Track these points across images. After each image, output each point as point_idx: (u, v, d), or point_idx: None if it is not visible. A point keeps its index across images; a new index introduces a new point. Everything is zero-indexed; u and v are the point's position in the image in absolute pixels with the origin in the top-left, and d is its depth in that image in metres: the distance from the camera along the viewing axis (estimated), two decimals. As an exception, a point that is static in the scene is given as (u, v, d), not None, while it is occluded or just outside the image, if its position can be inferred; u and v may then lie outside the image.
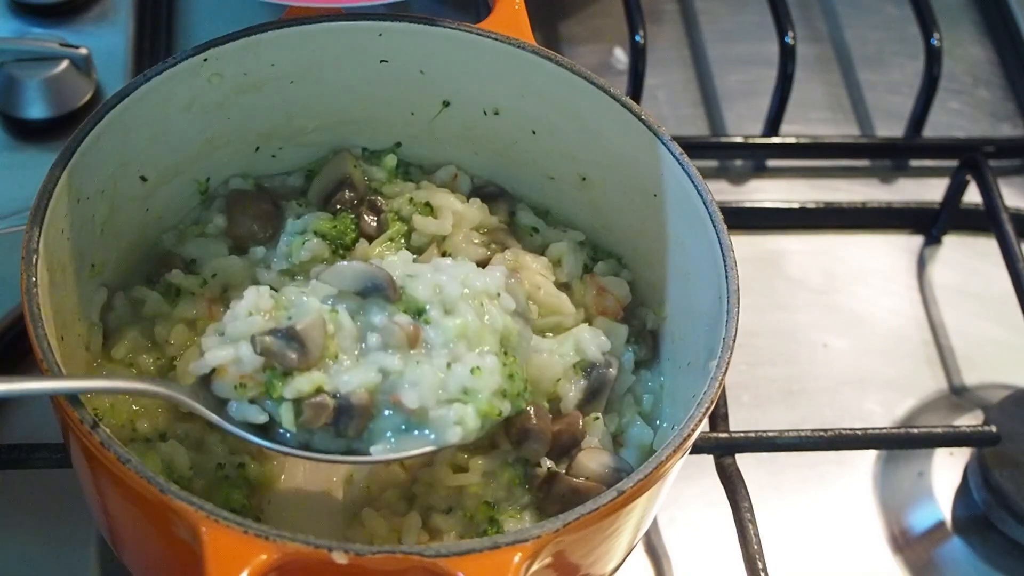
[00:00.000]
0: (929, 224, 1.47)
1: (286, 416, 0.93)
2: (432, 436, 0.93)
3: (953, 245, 1.47)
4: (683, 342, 1.09)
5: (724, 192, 1.48)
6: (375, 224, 1.14)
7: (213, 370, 0.94)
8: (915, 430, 1.23)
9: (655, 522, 1.20)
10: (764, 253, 1.43)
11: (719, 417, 1.20)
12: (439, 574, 0.83)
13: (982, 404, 1.31)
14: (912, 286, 1.43)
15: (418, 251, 1.12)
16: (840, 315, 1.39)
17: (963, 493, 1.25)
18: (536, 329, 1.09)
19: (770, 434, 1.18)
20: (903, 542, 1.23)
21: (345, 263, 0.98)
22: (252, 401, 0.94)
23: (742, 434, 1.18)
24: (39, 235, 0.94)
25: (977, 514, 1.23)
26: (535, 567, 0.86)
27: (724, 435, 1.18)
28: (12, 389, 0.87)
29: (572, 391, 1.07)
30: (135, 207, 1.10)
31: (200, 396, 0.95)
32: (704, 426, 0.96)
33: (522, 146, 1.17)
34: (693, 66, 1.59)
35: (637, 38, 1.41)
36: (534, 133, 1.16)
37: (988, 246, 1.40)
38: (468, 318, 0.95)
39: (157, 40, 1.46)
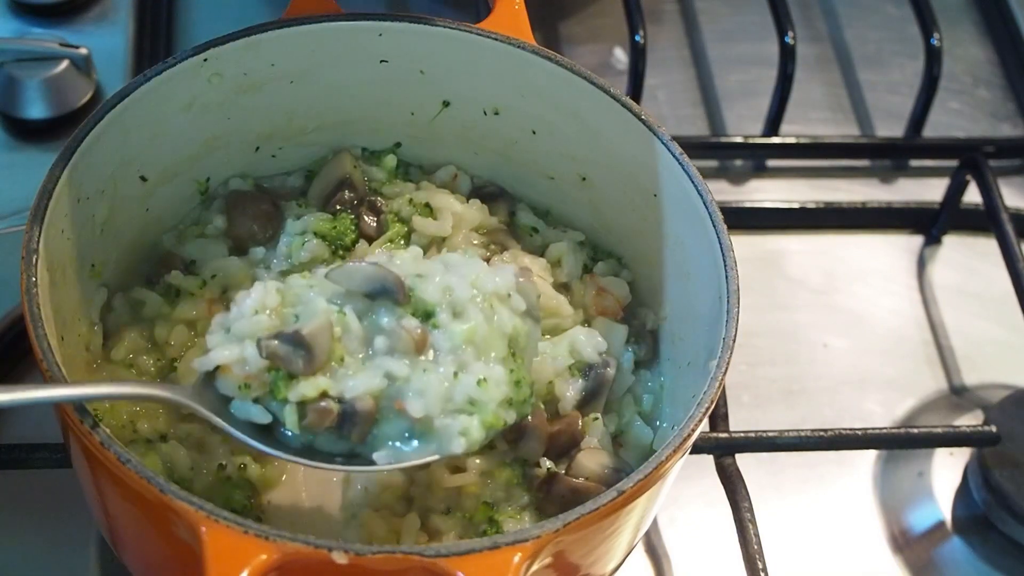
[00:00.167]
0: (929, 224, 1.47)
1: (290, 418, 0.92)
2: (436, 446, 0.92)
3: (953, 245, 1.47)
4: (683, 342, 1.09)
5: (724, 192, 1.48)
6: (375, 225, 1.14)
7: (217, 367, 0.94)
8: (915, 430, 1.23)
9: (655, 522, 1.20)
10: (764, 253, 1.43)
11: (719, 417, 1.20)
12: (439, 574, 0.83)
13: (982, 404, 1.31)
14: (912, 286, 1.43)
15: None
16: (840, 315, 1.39)
17: (963, 493, 1.25)
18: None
19: (770, 434, 1.18)
20: (903, 542, 1.23)
21: (355, 264, 0.96)
22: (256, 401, 0.93)
23: (742, 434, 1.18)
24: (39, 235, 0.94)
25: (977, 514, 1.23)
26: (535, 567, 0.86)
27: (724, 435, 1.18)
28: (11, 399, 0.85)
29: (570, 392, 1.07)
30: (135, 207, 1.10)
31: (203, 397, 0.94)
32: (704, 426, 0.96)
33: (522, 146, 1.17)
34: (693, 66, 1.59)
35: (637, 38, 1.41)
36: (534, 133, 1.16)
37: (988, 246, 1.40)
38: (477, 322, 0.94)
39: (157, 40, 1.46)
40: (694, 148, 1.20)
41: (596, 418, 1.07)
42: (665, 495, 0.99)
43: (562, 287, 1.14)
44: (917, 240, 1.47)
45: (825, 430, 1.19)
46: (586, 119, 1.11)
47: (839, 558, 1.22)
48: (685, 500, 1.21)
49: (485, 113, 1.15)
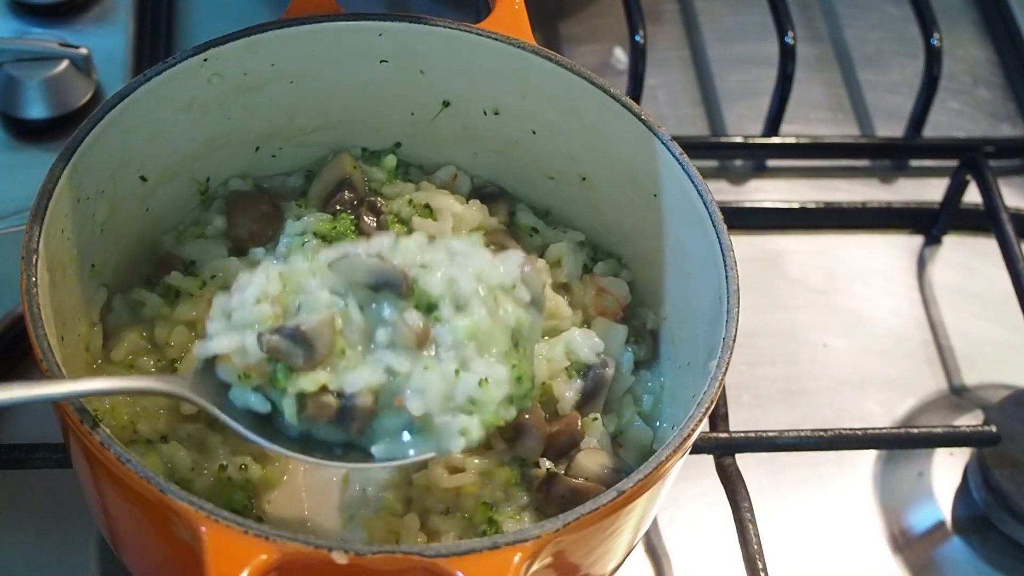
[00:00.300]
0: (929, 224, 1.47)
1: (289, 408, 0.92)
2: (435, 443, 0.92)
3: (953, 245, 1.47)
4: (683, 342, 1.09)
5: (724, 192, 1.48)
6: (374, 225, 1.14)
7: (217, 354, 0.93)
8: (915, 430, 1.23)
9: (655, 522, 1.20)
10: (764, 253, 1.43)
11: (719, 417, 1.20)
12: (439, 574, 0.83)
13: (982, 404, 1.31)
14: (912, 286, 1.43)
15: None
16: (840, 315, 1.39)
17: (963, 493, 1.25)
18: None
19: (770, 434, 1.18)
20: (903, 542, 1.23)
21: (359, 256, 0.94)
22: (256, 389, 0.93)
23: (742, 434, 1.18)
24: (39, 235, 0.94)
25: (977, 514, 1.23)
26: (535, 567, 0.86)
27: (724, 435, 1.18)
28: (7, 398, 0.85)
29: (569, 392, 1.07)
30: (135, 207, 1.10)
31: (201, 385, 0.94)
32: (704, 426, 0.96)
33: (522, 146, 1.17)
34: (693, 66, 1.59)
35: (637, 38, 1.41)
36: (534, 133, 1.16)
37: (988, 246, 1.40)
38: (480, 316, 0.93)
39: (157, 40, 1.46)
40: (694, 148, 1.20)
41: (595, 418, 1.07)
42: (665, 495, 0.99)
43: (562, 287, 1.14)
44: (917, 240, 1.47)
45: (825, 430, 1.19)
46: (586, 119, 1.11)
47: (839, 558, 1.22)
48: (685, 500, 1.21)
49: (485, 113, 1.15)
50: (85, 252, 1.04)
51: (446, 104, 1.16)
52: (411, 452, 0.93)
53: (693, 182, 1.04)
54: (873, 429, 1.22)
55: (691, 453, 1.03)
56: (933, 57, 1.47)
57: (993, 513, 1.21)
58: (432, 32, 1.11)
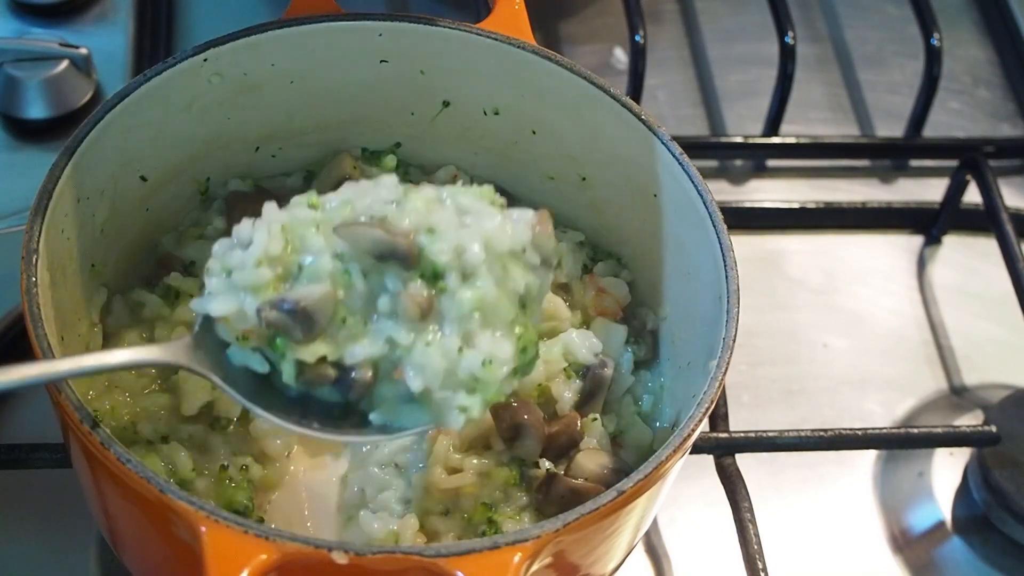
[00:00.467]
0: (929, 224, 1.47)
1: (288, 372, 0.90)
2: (434, 417, 0.90)
3: (953, 245, 1.47)
4: (683, 342, 1.09)
5: (724, 192, 1.48)
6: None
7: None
8: (915, 430, 1.23)
9: (655, 522, 1.20)
10: (764, 253, 1.43)
11: (719, 417, 1.20)
12: (439, 574, 0.83)
13: (982, 404, 1.31)
14: (912, 286, 1.43)
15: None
16: (840, 315, 1.39)
17: (963, 493, 1.25)
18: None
19: (770, 434, 1.18)
20: (903, 542, 1.23)
21: (365, 226, 0.90)
22: (255, 349, 0.91)
23: (742, 434, 1.18)
24: (39, 235, 0.94)
25: (977, 514, 1.23)
26: (535, 567, 0.86)
27: (724, 435, 1.18)
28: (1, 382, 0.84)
29: (568, 393, 1.07)
30: (135, 207, 1.10)
31: (199, 346, 0.92)
32: (704, 426, 0.96)
33: (522, 146, 1.17)
34: (693, 66, 1.59)
35: (637, 38, 1.41)
36: (534, 133, 1.16)
37: (988, 246, 1.40)
38: (487, 288, 0.89)
39: (157, 40, 1.46)
40: (694, 148, 1.20)
41: (595, 419, 1.07)
42: (665, 495, 0.99)
43: (562, 287, 1.14)
44: (917, 240, 1.47)
45: (825, 430, 1.19)
46: (586, 119, 1.11)
47: (839, 558, 1.22)
48: (685, 500, 1.21)
49: (485, 113, 1.15)
50: (85, 252, 1.04)
51: (446, 104, 1.16)
52: (408, 424, 0.91)
53: (693, 182, 1.04)
54: (873, 429, 1.22)
55: (691, 453, 1.03)
56: (933, 57, 1.47)
57: (993, 513, 1.21)
58: (432, 32, 1.11)
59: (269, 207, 0.92)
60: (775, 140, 1.49)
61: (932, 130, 1.52)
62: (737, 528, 1.13)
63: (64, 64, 1.32)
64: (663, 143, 1.06)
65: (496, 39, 1.10)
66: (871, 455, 1.28)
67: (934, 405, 1.33)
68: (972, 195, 1.43)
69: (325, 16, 1.09)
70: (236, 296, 0.90)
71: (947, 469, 1.27)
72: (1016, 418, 1.23)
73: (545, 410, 1.06)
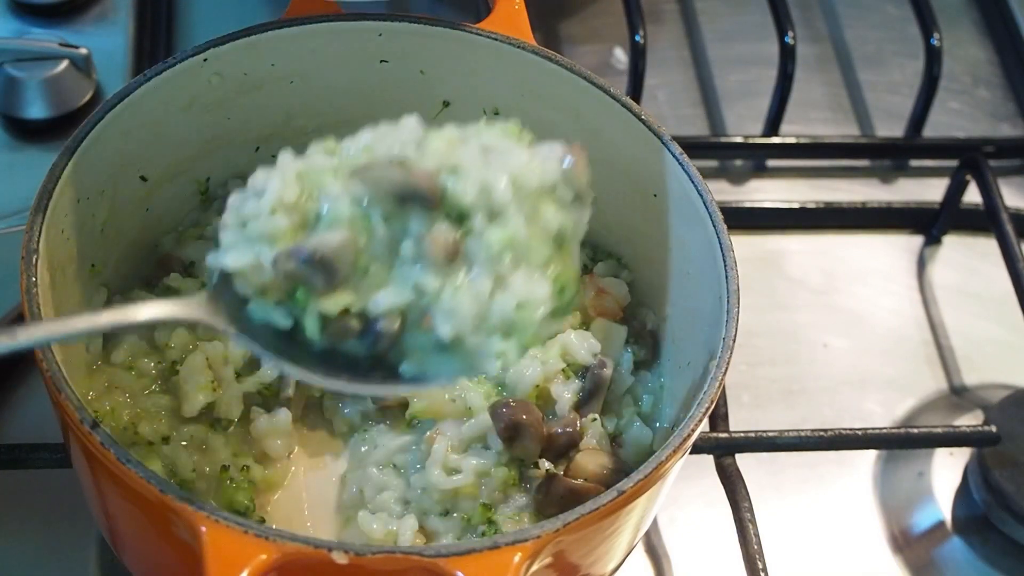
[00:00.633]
0: (929, 224, 1.47)
1: (311, 326, 0.86)
2: (468, 364, 0.86)
3: (953, 245, 1.47)
4: (683, 342, 1.09)
5: (724, 192, 1.48)
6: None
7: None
8: (915, 430, 1.23)
9: (655, 522, 1.20)
10: (764, 253, 1.43)
11: (719, 417, 1.20)
12: (439, 574, 0.83)
13: (982, 404, 1.31)
14: (912, 286, 1.43)
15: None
16: (840, 315, 1.39)
17: (963, 493, 1.25)
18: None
19: (770, 434, 1.18)
20: (903, 542, 1.23)
21: (385, 167, 0.86)
22: (277, 304, 0.87)
23: (742, 434, 1.18)
24: (39, 235, 0.94)
25: (977, 514, 1.23)
26: (535, 567, 0.86)
27: (724, 435, 1.18)
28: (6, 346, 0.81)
29: (567, 393, 1.07)
30: (135, 207, 1.10)
31: (218, 304, 0.88)
32: (704, 426, 0.96)
33: (522, 146, 1.17)
34: (693, 66, 1.59)
35: (637, 38, 1.41)
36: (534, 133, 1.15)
37: (988, 246, 1.40)
38: (517, 227, 0.84)
39: (157, 40, 1.46)
40: (694, 148, 1.20)
41: (594, 419, 1.07)
42: (665, 495, 0.99)
43: (562, 288, 1.14)
44: (917, 240, 1.47)
45: (825, 430, 1.19)
46: (586, 119, 1.11)
47: (839, 558, 1.22)
48: (685, 500, 1.21)
49: (485, 113, 1.15)
50: (85, 252, 1.04)
51: (446, 104, 1.16)
52: (442, 372, 0.87)
53: (693, 182, 1.04)
54: (873, 429, 1.22)
55: (691, 453, 1.03)
56: (933, 57, 1.47)
57: (993, 513, 1.21)
58: (432, 32, 1.11)
59: (284, 155, 0.88)
60: (775, 140, 1.49)
61: (932, 130, 1.52)
62: (737, 528, 1.13)
63: (64, 64, 1.32)
64: (663, 143, 1.06)
65: (496, 39, 1.10)
66: (871, 455, 1.28)
67: (934, 405, 1.33)
68: (972, 195, 1.43)
69: (325, 16, 1.09)
70: (252, 248, 0.86)
71: (947, 469, 1.27)
72: (1016, 418, 1.22)
73: (544, 411, 1.06)
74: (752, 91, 1.55)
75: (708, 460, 1.19)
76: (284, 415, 1.06)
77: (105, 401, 1.03)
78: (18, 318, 1.16)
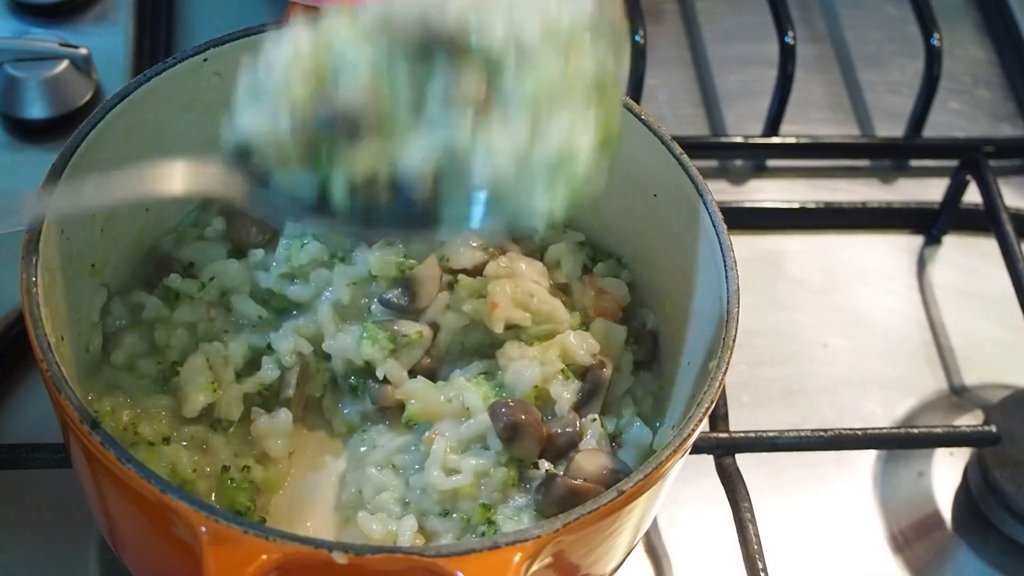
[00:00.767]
0: (929, 224, 1.47)
1: (339, 190, 0.81)
2: (511, 218, 0.81)
3: (953, 245, 1.47)
4: (683, 342, 1.09)
5: (724, 192, 1.48)
6: (375, 224, 1.12)
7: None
8: (915, 430, 1.23)
9: (655, 522, 1.20)
10: (764, 253, 1.43)
11: (719, 417, 1.20)
12: (439, 574, 0.83)
13: (982, 404, 1.31)
14: (912, 286, 1.43)
15: (416, 256, 1.08)
16: (840, 315, 1.39)
17: (963, 493, 1.25)
18: (529, 337, 1.08)
19: (770, 434, 1.18)
20: (903, 542, 1.23)
21: (407, 13, 0.80)
22: (302, 169, 0.82)
23: (742, 434, 1.18)
24: (39, 235, 0.94)
25: (977, 514, 1.23)
26: (535, 567, 0.86)
27: (724, 435, 1.18)
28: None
29: (567, 394, 1.06)
30: (135, 208, 1.10)
31: (235, 180, 0.84)
32: (704, 426, 0.96)
33: (522, 146, 1.17)
34: (693, 66, 1.59)
35: (637, 38, 1.41)
36: (534, 133, 1.15)
37: (988, 246, 1.40)
38: (551, 66, 0.78)
39: (157, 40, 1.46)
40: (694, 148, 1.20)
41: (594, 419, 1.07)
42: (665, 495, 0.99)
43: (561, 288, 1.14)
44: (917, 240, 1.47)
45: (825, 430, 1.19)
46: (586, 119, 1.11)
47: (839, 558, 1.22)
48: (685, 500, 1.21)
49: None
50: (85, 252, 1.04)
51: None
52: (482, 227, 0.83)
53: (693, 182, 1.04)
54: (873, 429, 1.22)
55: (691, 453, 1.03)
56: (933, 57, 1.47)
57: (993, 513, 1.21)
58: None
59: (296, 21, 0.82)
60: (775, 140, 1.49)
61: (932, 130, 1.52)
62: (737, 528, 1.13)
63: (64, 64, 1.32)
64: (663, 143, 1.06)
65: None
66: (871, 455, 1.28)
67: (934, 405, 1.33)
68: (972, 195, 1.43)
69: (325, 16, 1.09)
70: (266, 110, 0.82)
71: (947, 469, 1.27)
72: (1016, 418, 1.23)
73: (543, 411, 1.06)
74: (752, 91, 1.55)
75: (708, 460, 1.19)
76: (284, 415, 1.06)
77: (105, 401, 1.03)
78: (18, 319, 1.17)
